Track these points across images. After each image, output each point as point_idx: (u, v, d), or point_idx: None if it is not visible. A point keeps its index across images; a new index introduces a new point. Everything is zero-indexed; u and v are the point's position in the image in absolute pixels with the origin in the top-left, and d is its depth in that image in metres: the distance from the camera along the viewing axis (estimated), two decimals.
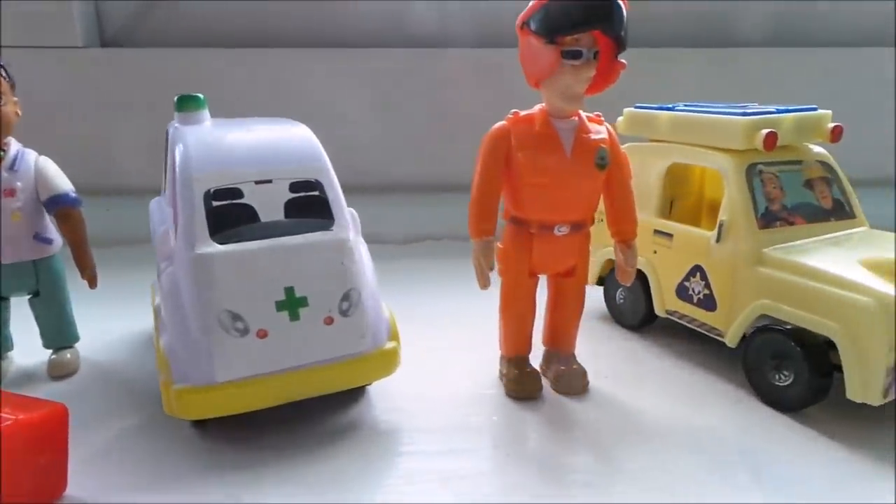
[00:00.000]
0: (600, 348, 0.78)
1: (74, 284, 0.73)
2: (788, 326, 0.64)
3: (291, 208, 0.71)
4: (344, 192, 0.64)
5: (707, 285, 0.72)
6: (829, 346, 0.61)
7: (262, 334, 0.56)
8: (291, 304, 0.58)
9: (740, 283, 0.68)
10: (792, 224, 0.70)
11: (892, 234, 0.71)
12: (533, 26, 0.58)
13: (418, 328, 0.76)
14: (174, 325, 0.57)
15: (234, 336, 0.55)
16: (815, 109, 0.74)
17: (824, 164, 0.74)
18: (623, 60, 0.59)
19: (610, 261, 0.84)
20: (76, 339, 0.76)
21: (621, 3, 0.56)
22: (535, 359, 0.71)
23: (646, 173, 0.78)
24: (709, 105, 0.77)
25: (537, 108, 0.63)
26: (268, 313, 0.57)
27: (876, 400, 0.58)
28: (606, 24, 0.56)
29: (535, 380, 0.68)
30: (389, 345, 0.62)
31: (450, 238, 1.23)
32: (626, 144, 0.78)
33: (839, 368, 0.60)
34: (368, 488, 0.54)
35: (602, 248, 0.82)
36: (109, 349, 0.78)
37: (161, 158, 0.79)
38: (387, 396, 0.67)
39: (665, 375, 0.73)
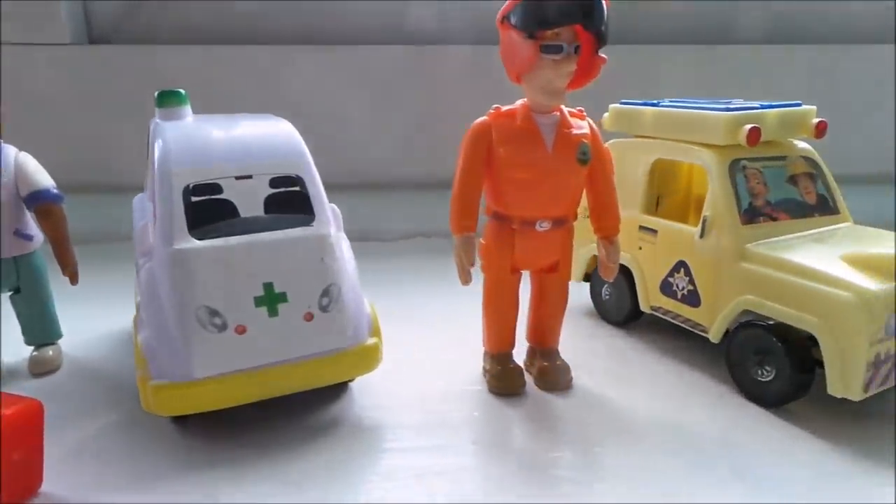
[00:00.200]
0: (585, 344, 0.78)
1: (56, 281, 0.73)
2: (771, 322, 0.64)
3: (272, 204, 0.71)
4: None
5: (691, 281, 0.72)
6: (812, 342, 0.61)
7: (241, 330, 0.56)
8: (270, 299, 0.57)
9: (724, 279, 0.68)
10: (775, 220, 0.69)
11: (875, 230, 0.71)
12: (513, 20, 0.57)
13: (403, 325, 0.76)
14: (152, 320, 0.57)
15: (211, 332, 0.55)
16: (799, 105, 0.74)
17: (808, 160, 0.74)
18: (604, 55, 0.59)
19: (595, 257, 0.83)
20: (59, 335, 0.75)
21: None
22: (520, 355, 0.71)
23: (631, 170, 0.78)
24: (693, 101, 0.77)
25: (519, 103, 0.63)
26: (246, 309, 0.56)
27: (856, 395, 0.58)
28: (586, 19, 0.56)
29: (518, 376, 0.68)
30: (370, 341, 0.62)
31: (440, 236, 1.23)
32: (611, 140, 0.78)
33: (821, 364, 0.60)
34: (350, 486, 0.53)
35: (587, 245, 0.82)
36: (92, 346, 0.78)
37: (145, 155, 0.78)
38: (369, 393, 0.67)
39: (649, 371, 0.73)
